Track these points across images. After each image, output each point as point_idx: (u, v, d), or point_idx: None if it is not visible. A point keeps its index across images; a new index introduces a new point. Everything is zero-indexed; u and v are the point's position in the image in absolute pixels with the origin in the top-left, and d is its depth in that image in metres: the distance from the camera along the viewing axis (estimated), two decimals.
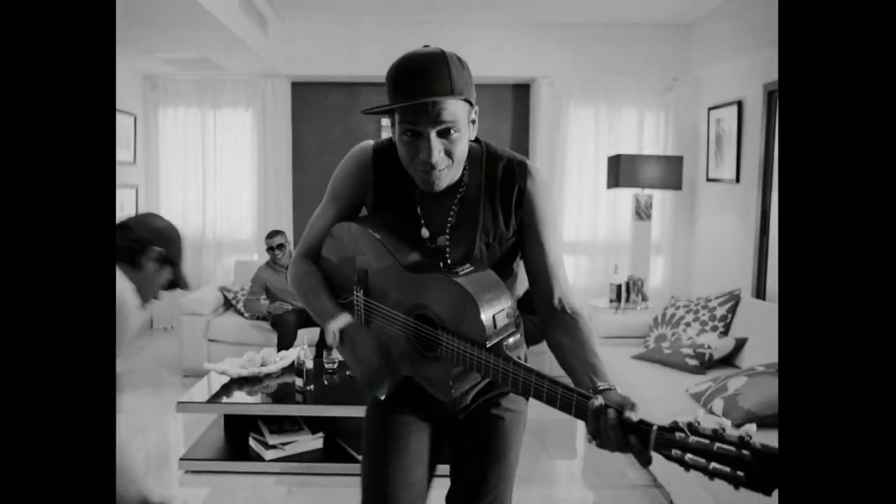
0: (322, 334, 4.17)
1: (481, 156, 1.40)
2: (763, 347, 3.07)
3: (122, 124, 5.42)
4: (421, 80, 1.26)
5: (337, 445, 3.16)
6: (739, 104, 4.81)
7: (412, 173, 1.33)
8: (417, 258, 1.36)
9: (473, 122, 1.36)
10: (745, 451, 1.06)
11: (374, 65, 5.47)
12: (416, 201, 1.40)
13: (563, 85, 5.57)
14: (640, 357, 3.45)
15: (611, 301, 4.65)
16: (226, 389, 3.25)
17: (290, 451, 3.06)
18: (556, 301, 1.38)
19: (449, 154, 1.28)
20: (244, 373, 3.37)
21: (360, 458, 1.54)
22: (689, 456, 1.06)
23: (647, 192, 4.92)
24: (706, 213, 5.48)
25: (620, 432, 1.08)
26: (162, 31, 4.21)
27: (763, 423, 2.44)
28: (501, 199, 1.37)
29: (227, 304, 4.79)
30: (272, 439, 3.06)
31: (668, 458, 1.07)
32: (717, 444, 1.06)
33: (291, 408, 3.11)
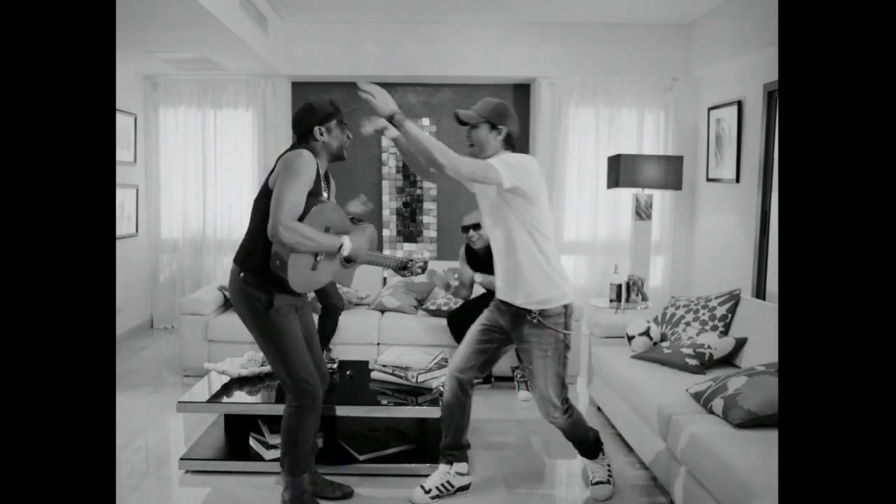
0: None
1: None
2: (763, 347, 3.06)
3: (123, 124, 5.42)
4: None
5: (337, 445, 3.16)
6: (739, 104, 4.81)
7: (345, 153, 2.60)
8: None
9: None
10: None
11: (374, 65, 5.48)
12: (323, 182, 2.55)
13: (563, 85, 5.57)
14: (640, 357, 3.45)
15: (611, 301, 4.65)
16: (226, 389, 3.24)
17: None
18: None
19: None
20: (244, 372, 3.36)
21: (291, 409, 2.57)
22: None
23: (647, 192, 4.92)
24: (706, 213, 5.47)
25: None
26: (162, 31, 4.21)
27: (763, 423, 2.44)
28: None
29: (228, 304, 4.79)
30: (272, 439, 3.06)
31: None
32: None
33: None
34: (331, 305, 4.19)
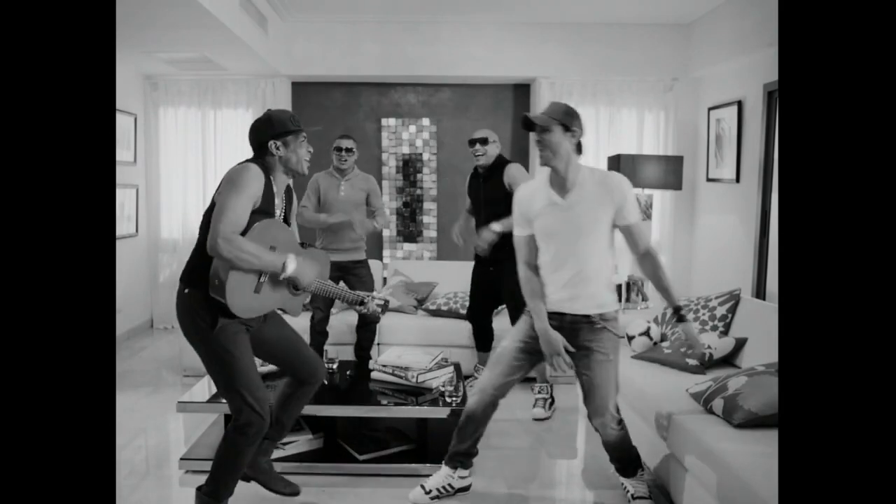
0: (312, 334, 4.13)
1: None
2: (763, 347, 3.06)
3: (123, 124, 5.42)
4: None
5: (337, 445, 3.16)
6: (739, 104, 4.81)
7: (304, 168, 2.45)
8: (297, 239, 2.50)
9: None
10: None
11: (374, 65, 5.48)
12: (276, 199, 2.39)
13: (563, 85, 5.56)
14: (640, 357, 3.45)
15: None
16: None
17: (290, 450, 3.05)
18: None
19: None
20: None
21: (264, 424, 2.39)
22: None
23: (647, 192, 4.92)
24: (706, 213, 5.47)
25: None
26: (162, 31, 4.21)
27: (763, 423, 2.43)
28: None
29: None
30: None
31: None
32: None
33: None
34: (368, 318, 4.11)
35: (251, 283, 2.30)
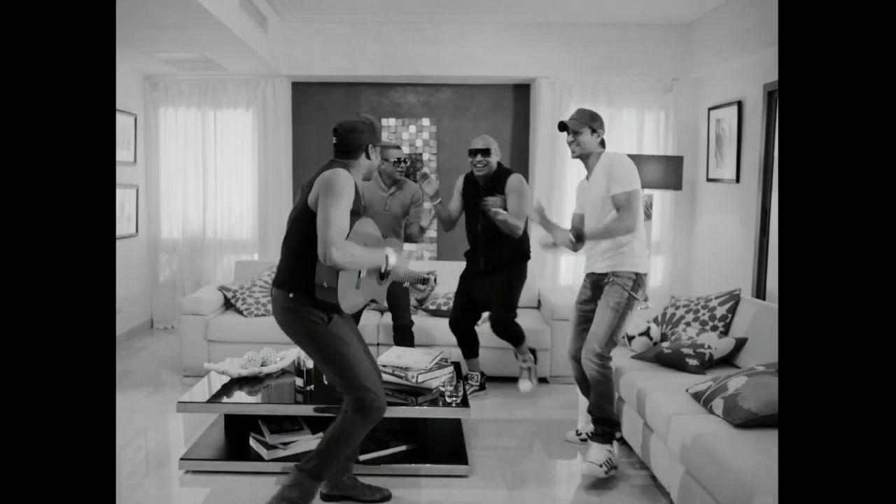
0: None
1: None
2: (763, 347, 3.07)
3: (123, 124, 5.42)
4: None
5: None
6: (739, 104, 4.81)
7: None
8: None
9: None
10: None
11: (374, 65, 5.48)
12: (361, 200, 2.55)
13: (563, 85, 5.56)
14: (639, 357, 3.45)
15: None
16: (226, 389, 3.24)
17: (290, 451, 3.05)
18: None
19: None
20: (244, 373, 3.36)
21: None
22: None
23: (647, 192, 4.92)
24: (706, 213, 5.47)
25: None
26: (162, 31, 4.21)
27: (763, 423, 2.44)
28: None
29: (228, 304, 4.79)
30: (272, 439, 3.06)
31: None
32: None
33: (291, 408, 3.11)
34: (401, 324, 4.05)
35: (353, 280, 2.49)
